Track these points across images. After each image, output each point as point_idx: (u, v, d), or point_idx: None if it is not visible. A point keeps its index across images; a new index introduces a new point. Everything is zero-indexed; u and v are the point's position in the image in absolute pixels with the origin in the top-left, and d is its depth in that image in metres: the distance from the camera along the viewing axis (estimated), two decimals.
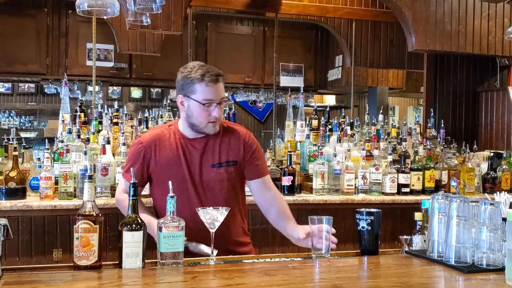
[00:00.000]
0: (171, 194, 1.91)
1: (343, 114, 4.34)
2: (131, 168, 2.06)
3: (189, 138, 2.34)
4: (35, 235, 3.16)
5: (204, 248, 2.17)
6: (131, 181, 1.87)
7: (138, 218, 1.84)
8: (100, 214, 1.83)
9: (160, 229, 1.85)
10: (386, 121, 4.56)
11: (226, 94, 2.37)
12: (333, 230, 2.12)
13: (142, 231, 1.82)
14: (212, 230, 1.98)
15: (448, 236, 1.87)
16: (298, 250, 2.39)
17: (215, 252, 2.04)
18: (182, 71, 2.29)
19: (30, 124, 8.27)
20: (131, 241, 1.81)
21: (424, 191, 3.88)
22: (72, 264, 1.81)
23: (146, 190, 3.32)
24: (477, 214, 1.84)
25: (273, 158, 4.09)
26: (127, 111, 4.02)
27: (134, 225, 1.82)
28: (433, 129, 4.50)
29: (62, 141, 3.50)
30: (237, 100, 7.84)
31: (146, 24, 3.66)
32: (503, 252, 1.77)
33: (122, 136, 3.41)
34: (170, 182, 1.94)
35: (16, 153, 3.41)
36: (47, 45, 6.11)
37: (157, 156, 2.33)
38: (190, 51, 5.53)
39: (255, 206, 3.43)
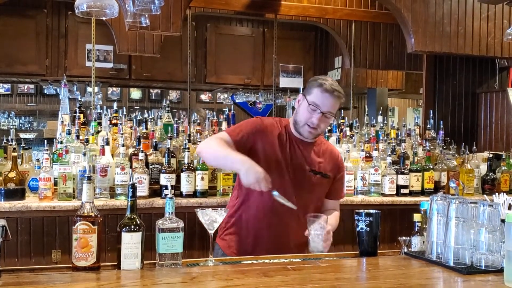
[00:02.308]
0: (170, 195, 1.91)
1: (342, 115, 4.34)
2: (130, 170, 2.07)
3: (299, 139, 2.46)
4: (34, 236, 3.16)
5: (286, 202, 2.21)
6: (130, 182, 1.87)
7: (137, 219, 1.84)
8: (99, 215, 1.83)
9: (159, 230, 1.85)
10: (385, 122, 4.56)
11: (335, 113, 2.48)
12: (328, 227, 2.19)
13: (140, 232, 1.82)
14: (211, 232, 1.98)
15: (447, 237, 1.87)
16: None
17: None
18: (315, 77, 2.46)
19: (29, 125, 8.26)
20: (130, 242, 1.80)
21: (423, 192, 3.88)
22: (71, 265, 1.81)
23: (144, 192, 3.33)
24: (476, 216, 1.84)
25: None
26: (197, 115, 3.95)
27: (132, 226, 1.82)
28: (433, 130, 4.50)
29: (61, 142, 3.50)
30: (236, 101, 7.84)
31: (145, 25, 3.66)
32: (502, 253, 1.77)
33: (121, 137, 3.41)
34: (169, 183, 1.94)
35: (15, 154, 3.41)
36: (46, 46, 6.11)
37: (268, 138, 2.41)
38: (190, 52, 5.53)
39: None
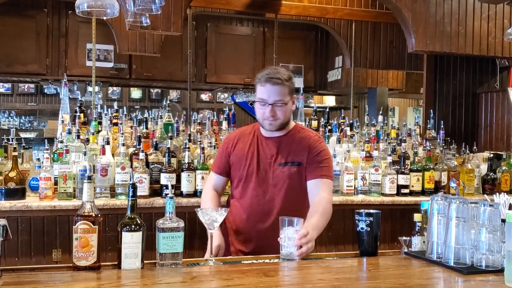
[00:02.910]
0: (170, 195, 1.91)
1: (342, 115, 4.34)
2: (130, 169, 2.08)
3: (265, 137, 2.54)
4: (34, 236, 3.16)
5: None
6: (131, 182, 1.87)
7: (137, 219, 1.84)
8: (99, 215, 1.83)
9: (159, 230, 1.85)
10: (385, 122, 4.55)
11: (289, 97, 2.45)
12: (304, 230, 2.06)
13: (141, 232, 1.82)
14: (211, 231, 1.98)
15: (448, 237, 1.87)
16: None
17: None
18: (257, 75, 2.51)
19: (29, 125, 8.27)
20: (130, 242, 1.81)
21: (423, 192, 3.88)
22: (71, 264, 1.81)
23: (145, 191, 3.33)
24: (476, 216, 1.84)
25: None
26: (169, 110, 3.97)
27: (133, 226, 1.82)
28: (433, 130, 4.50)
29: (61, 142, 3.50)
30: (236, 100, 7.83)
31: (145, 24, 3.66)
32: (502, 253, 1.77)
33: (122, 136, 3.41)
34: (169, 184, 1.95)
35: (16, 153, 3.41)
36: (47, 45, 6.11)
37: (235, 149, 2.58)
38: (190, 52, 5.54)
39: None
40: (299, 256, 2.02)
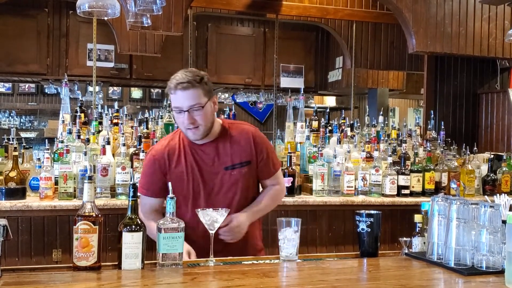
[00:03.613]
0: (170, 195, 1.91)
1: (343, 116, 4.34)
2: (131, 169, 2.07)
3: (198, 144, 2.32)
4: (34, 236, 3.16)
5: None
6: (131, 182, 1.87)
7: (138, 219, 1.84)
8: (99, 215, 1.83)
9: (159, 230, 1.85)
10: (386, 122, 4.56)
11: (206, 99, 2.25)
12: (234, 224, 2.12)
13: (141, 232, 1.82)
14: (212, 232, 1.98)
15: (448, 238, 1.87)
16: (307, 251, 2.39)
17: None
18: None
19: (30, 124, 8.26)
20: (131, 242, 1.81)
21: (424, 193, 3.88)
22: (71, 264, 1.81)
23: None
24: (477, 217, 1.84)
25: None
26: (126, 111, 4.02)
27: (133, 226, 1.82)
28: (433, 131, 4.50)
29: (62, 142, 3.50)
30: (237, 101, 7.84)
31: (146, 25, 3.66)
32: (503, 254, 1.77)
33: (122, 136, 3.41)
34: (169, 184, 1.94)
35: (16, 153, 3.41)
36: (47, 45, 6.11)
37: (171, 166, 2.32)
38: (191, 52, 5.53)
39: None
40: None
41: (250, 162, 2.34)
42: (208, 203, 2.25)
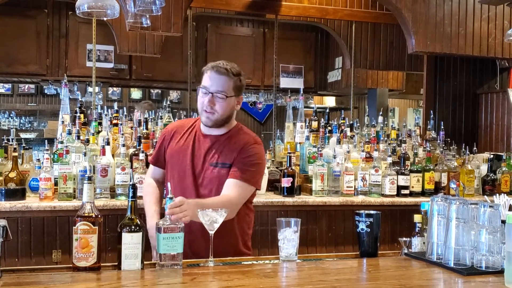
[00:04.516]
0: (170, 195, 1.91)
1: (342, 116, 4.34)
2: (131, 170, 2.07)
3: (203, 134, 2.41)
4: (34, 236, 3.16)
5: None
6: (131, 183, 1.87)
7: (137, 220, 1.84)
8: (99, 215, 1.83)
9: (159, 230, 1.85)
10: (385, 122, 4.55)
11: (233, 93, 2.34)
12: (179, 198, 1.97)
13: (141, 233, 1.83)
14: (211, 232, 1.98)
15: (448, 238, 1.87)
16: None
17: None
18: None
19: (30, 125, 8.27)
20: (130, 243, 1.81)
21: (423, 193, 3.88)
22: (71, 265, 1.81)
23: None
24: (476, 217, 1.84)
25: (273, 159, 4.09)
26: (140, 110, 3.97)
27: (133, 227, 1.82)
28: (433, 131, 4.50)
29: (61, 142, 3.50)
30: None
31: (146, 25, 3.67)
32: (502, 254, 1.77)
33: (122, 137, 3.41)
34: (168, 184, 1.94)
35: (16, 154, 3.41)
36: (47, 46, 6.12)
37: (172, 142, 2.45)
38: (190, 53, 5.54)
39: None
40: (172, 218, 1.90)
41: (230, 165, 2.34)
42: (191, 193, 2.30)
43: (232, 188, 2.29)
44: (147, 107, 5.17)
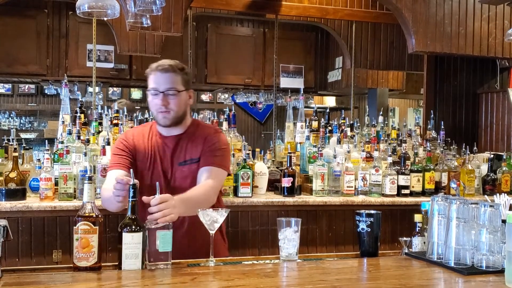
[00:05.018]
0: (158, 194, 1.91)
1: (343, 116, 4.34)
2: (131, 170, 2.06)
3: (164, 136, 2.38)
4: (35, 236, 3.16)
5: None
6: (131, 183, 1.88)
7: (138, 220, 1.84)
8: (99, 215, 1.83)
9: (149, 229, 1.86)
10: (386, 122, 4.56)
11: (183, 88, 2.31)
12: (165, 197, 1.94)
13: (141, 233, 1.83)
14: (212, 232, 1.98)
15: (448, 238, 1.87)
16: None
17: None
18: None
19: (30, 125, 8.27)
20: (131, 243, 1.81)
21: (424, 192, 3.88)
22: (71, 265, 1.81)
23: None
24: (476, 216, 1.84)
25: (273, 159, 4.09)
26: (118, 107, 3.97)
27: (133, 227, 1.82)
28: (433, 131, 4.50)
29: (62, 142, 3.50)
30: (237, 101, 7.84)
31: (146, 25, 3.67)
32: (503, 254, 1.77)
33: None
34: (157, 183, 1.94)
35: (16, 154, 3.41)
36: (47, 46, 6.12)
37: (137, 152, 2.38)
38: (190, 53, 5.53)
39: (244, 208, 3.47)
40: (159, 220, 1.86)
41: (199, 159, 2.34)
42: (168, 191, 2.16)
43: (207, 174, 2.30)
44: (124, 105, 5.14)
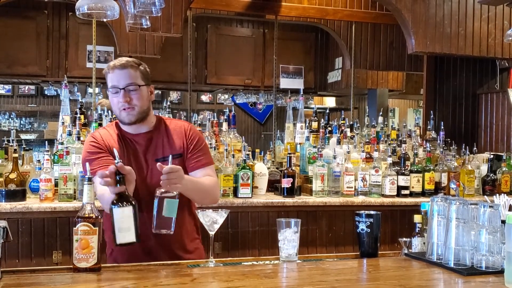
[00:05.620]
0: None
1: (343, 116, 4.34)
2: (114, 149, 2.03)
3: (132, 134, 2.31)
4: (34, 237, 3.16)
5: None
6: (116, 162, 1.90)
7: (128, 196, 1.88)
8: (99, 216, 1.83)
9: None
10: (386, 123, 4.56)
11: (143, 82, 2.26)
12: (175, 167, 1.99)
13: (131, 207, 1.84)
14: (212, 233, 1.98)
15: (448, 238, 1.87)
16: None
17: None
18: None
19: (30, 126, 8.27)
20: (122, 216, 1.83)
21: (423, 193, 3.88)
22: (71, 266, 1.81)
23: None
24: (476, 217, 1.84)
25: (273, 160, 4.10)
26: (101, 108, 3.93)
27: (124, 202, 1.85)
28: (433, 131, 4.50)
29: (62, 143, 3.50)
30: (237, 102, 7.84)
31: (146, 26, 3.67)
32: (502, 254, 1.77)
33: None
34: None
35: (16, 155, 3.41)
36: (47, 47, 6.12)
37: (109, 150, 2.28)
38: (190, 53, 5.54)
39: (243, 209, 3.47)
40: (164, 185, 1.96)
41: (181, 155, 2.31)
42: (142, 191, 2.20)
43: (207, 174, 2.32)
44: (105, 105, 5.10)
